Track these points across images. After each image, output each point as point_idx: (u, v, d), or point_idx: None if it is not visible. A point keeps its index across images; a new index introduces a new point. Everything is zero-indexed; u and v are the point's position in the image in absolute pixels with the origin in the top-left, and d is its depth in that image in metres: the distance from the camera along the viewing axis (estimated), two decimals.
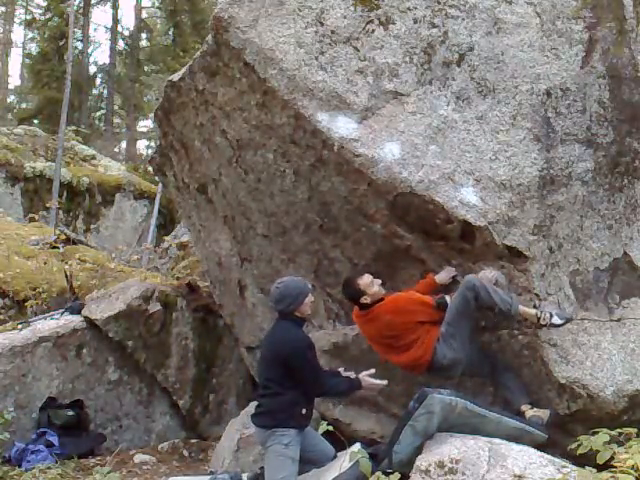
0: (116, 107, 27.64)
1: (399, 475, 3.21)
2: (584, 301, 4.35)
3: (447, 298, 4.07)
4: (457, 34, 4.36)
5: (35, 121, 23.00)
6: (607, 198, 4.50)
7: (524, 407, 4.12)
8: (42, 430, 5.80)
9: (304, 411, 3.98)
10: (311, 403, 4.09)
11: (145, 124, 29.09)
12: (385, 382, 4.16)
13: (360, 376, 4.14)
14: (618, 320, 4.39)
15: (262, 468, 4.37)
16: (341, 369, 4.26)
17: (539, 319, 4.01)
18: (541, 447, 3.67)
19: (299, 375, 3.97)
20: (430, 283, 4.29)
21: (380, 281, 4.24)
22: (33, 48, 28.40)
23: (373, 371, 4.15)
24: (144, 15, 28.09)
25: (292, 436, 3.93)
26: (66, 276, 7.54)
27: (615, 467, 2.78)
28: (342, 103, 4.17)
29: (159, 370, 6.48)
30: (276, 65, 4.20)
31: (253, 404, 5.01)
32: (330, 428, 3.69)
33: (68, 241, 10.44)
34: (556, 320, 4.01)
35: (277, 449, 3.91)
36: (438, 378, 4.31)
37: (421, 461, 3.37)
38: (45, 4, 25.22)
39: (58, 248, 9.38)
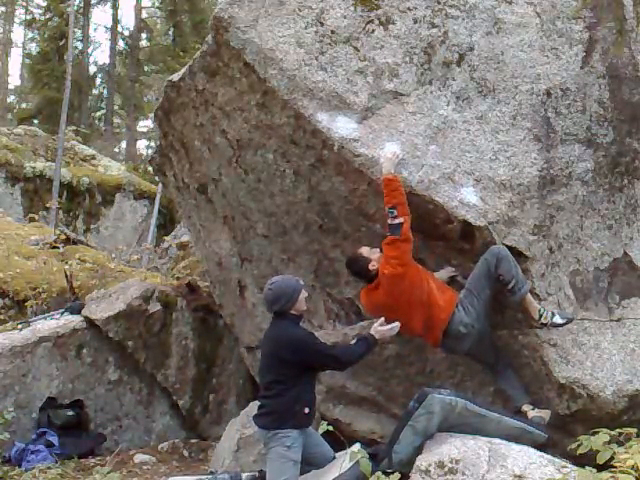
0: (116, 107, 27.66)
1: (399, 475, 3.22)
2: (584, 301, 4.36)
3: (394, 211, 3.91)
4: (457, 34, 4.36)
5: (35, 121, 23.01)
6: (607, 198, 4.50)
7: (526, 407, 4.11)
8: (42, 430, 5.81)
9: (306, 410, 3.96)
10: (313, 403, 4.07)
11: (145, 124, 29.14)
12: (397, 324, 4.04)
13: (372, 331, 4.08)
14: (618, 320, 4.39)
15: (261, 471, 4.36)
16: (353, 342, 4.20)
17: (541, 316, 4.00)
18: (541, 447, 3.67)
19: (316, 365, 4.01)
20: None
21: (377, 249, 4.17)
22: (33, 48, 28.44)
23: (382, 319, 4.06)
24: (144, 15, 28.08)
25: (294, 438, 3.91)
26: (66, 276, 7.54)
27: (615, 467, 2.79)
28: (342, 103, 4.17)
29: (159, 370, 6.49)
30: (276, 65, 4.20)
31: (253, 404, 5.02)
32: (330, 428, 3.68)
33: (68, 241, 10.45)
34: (557, 319, 4.01)
35: (279, 451, 3.90)
36: (448, 350, 4.29)
37: (421, 461, 3.37)
38: (45, 4, 25.24)
39: (58, 248, 9.39)
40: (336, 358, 4.04)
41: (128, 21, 55.14)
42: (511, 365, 4.28)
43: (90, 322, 6.39)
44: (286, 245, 5.00)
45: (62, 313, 6.70)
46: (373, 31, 4.31)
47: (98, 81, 27.43)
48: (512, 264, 3.97)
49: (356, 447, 3.85)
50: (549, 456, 3.41)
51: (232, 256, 5.68)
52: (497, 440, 3.51)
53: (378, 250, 4.14)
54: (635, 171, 4.59)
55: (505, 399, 4.33)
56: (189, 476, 5.28)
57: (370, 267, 4.10)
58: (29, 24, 27.09)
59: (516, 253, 4.11)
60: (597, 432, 3.18)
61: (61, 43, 21.48)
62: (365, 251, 4.17)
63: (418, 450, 3.61)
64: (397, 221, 3.90)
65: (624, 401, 4.21)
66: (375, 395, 5.04)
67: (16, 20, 30.53)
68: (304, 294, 4.10)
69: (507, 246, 4.10)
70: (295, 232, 4.84)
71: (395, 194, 3.91)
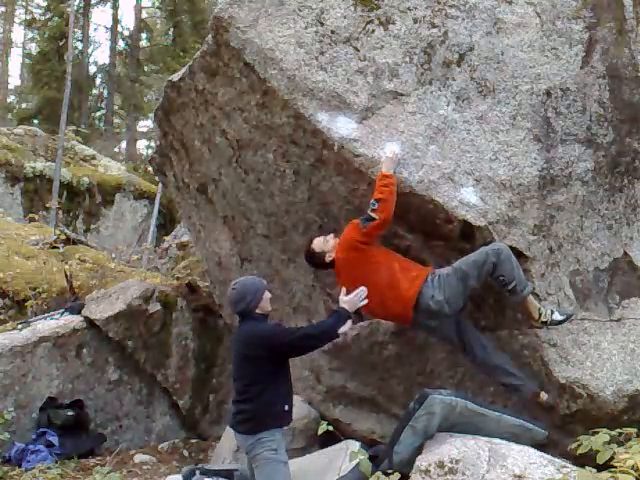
0: (116, 107, 27.68)
1: (399, 475, 3.22)
2: (584, 301, 4.35)
3: (375, 205, 3.93)
4: (457, 34, 4.36)
5: (35, 121, 23.03)
6: (607, 198, 4.50)
7: (542, 395, 4.07)
8: (42, 430, 5.81)
9: (286, 407, 3.96)
10: (291, 399, 4.07)
11: (145, 124, 29.16)
12: (362, 289, 3.97)
13: (340, 303, 4.00)
14: (618, 320, 4.39)
15: (236, 471, 4.38)
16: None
17: (540, 315, 3.99)
18: (541, 447, 3.67)
19: (292, 350, 3.99)
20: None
21: (332, 234, 4.26)
22: (33, 48, 28.47)
23: (344, 289, 4.04)
24: (144, 15, 28.12)
25: (279, 440, 3.92)
26: (66, 276, 7.54)
27: (615, 467, 2.78)
28: (342, 103, 4.17)
29: (159, 370, 6.49)
30: (276, 65, 4.20)
31: None
32: (330, 428, 3.68)
33: (68, 241, 10.44)
34: (557, 316, 4.00)
35: (268, 455, 3.88)
36: (421, 328, 4.26)
37: (421, 461, 3.37)
38: (45, 4, 25.27)
39: (58, 248, 9.38)
40: (308, 335, 3.97)
41: (128, 21, 55.16)
42: (492, 350, 4.15)
43: (90, 322, 6.39)
44: (286, 245, 5.00)
45: (62, 313, 6.70)
46: (373, 31, 4.31)
47: (98, 81, 27.47)
48: (514, 265, 3.94)
49: (355, 447, 3.85)
50: (549, 456, 3.41)
51: (232, 256, 5.68)
52: (497, 440, 3.51)
53: (332, 236, 4.24)
54: (635, 171, 4.59)
55: (507, 398, 4.32)
56: None
57: (327, 259, 4.21)
58: (29, 24, 27.08)
59: (516, 253, 4.11)
60: (597, 432, 3.18)
61: (61, 43, 21.45)
62: (317, 246, 4.25)
63: (418, 450, 3.61)
64: (372, 215, 3.94)
65: (624, 401, 4.21)
66: (375, 395, 5.04)
67: (16, 20, 30.57)
68: (268, 294, 4.10)
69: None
70: (295, 232, 4.84)
71: (383, 190, 3.92)
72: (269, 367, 3.92)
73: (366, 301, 4.01)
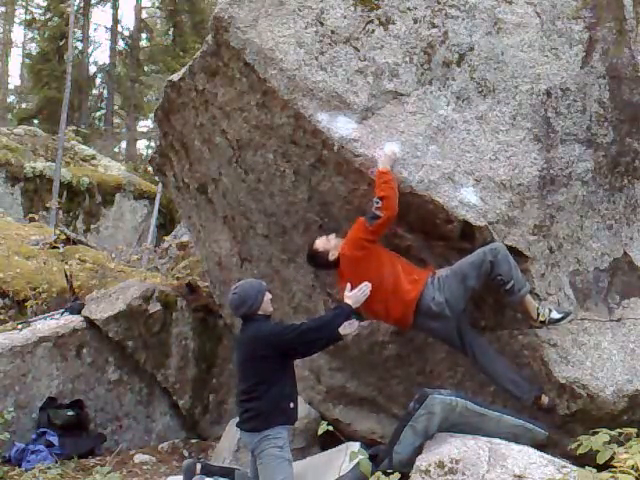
0: (116, 107, 27.68)
1: (399, 475, 3.22)
2: (584, 301, 4.36)
3: (379, 202, 3.93)
4: (457, 34, 4.36)
5: (35, 121, 23.05)
6: (607, 198, 4.50)
7: (544, 398, 4.09)
8: (42, 430, 5.81)
9: (292, 405, 4.00)
10: (296, 397, 4.09)
11: (145, 124, 29.17)
12: (367, 284, 3.97)
13: (345, 299, 4.00)
14: (618, 320, 4.39)
15: (234, 469, 4.38)
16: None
17: (539, 314, 3.99)
18: (541, 447, 3.67)
19: (299, 347, 3.98)
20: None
21: (333, 235, 4.26)
22: (33, 48, 28.49)
23: (349, 285, 4.03)
24: (144, 15, 28.12)
25: (285, 438, 3.94)
26: (66, 276, 7.54)
27: (615, 467, 2.79)
28: (342, 103, 4.17)
29: (159, 370, 6.49)
30: (276, 65, 4.20)
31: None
32: (330, 428, 3.68)
33: (68, 241, 10.45)
34: (555, 314, 4.00)
35: (273, 452, 3.90)
36: (420, 329, 4.24)
37: (421, 461, 3.37)
38: (45, 4, 25.26)
39: (58, 248, 9.39)
40: (309, 328, 3.97)
41: (128, 21, 55.06)
42: (496, 354, 4.18)
43: (90, 322, 6.39)
44: (286, 245, 5.00)
45: (62, 313, 6.70)
46: (373, 31, 4.31)
47: (98, 81, 27.47)
48: (511, 265, 3.94)
49: (355, 447, 3.85)
50: (549, 456, 3.41)
51: (232, 256, 5.68)
52: (497, 440, 3.51)
53: (333, 236, 4.24)
54: (635, 171, 4.59)
55: (507, 398, 4.32)
56: None
57: (331, 257, 4.18)
58: (29, 24, 27.09)
59: (516, 253, 4.11)
60: (597, 432, 3.18)
61: (61, 43, 21.52)
62: (320, 245, 4.23)
63: (418, 450, 3.62)
64: (377, 213, 3.93)
65: (624, 401, 4.21)
66: (375, 395, 5.04)
67: (16, 20, 30.56)
68: (268, 295, 4.14)
69: (507, 246, 4.10)
70: (295, 232, 4.84)
71: (384, 187, 3.92)
72: (274, 366, 3.94)
73: (368, 294, 4.01)
